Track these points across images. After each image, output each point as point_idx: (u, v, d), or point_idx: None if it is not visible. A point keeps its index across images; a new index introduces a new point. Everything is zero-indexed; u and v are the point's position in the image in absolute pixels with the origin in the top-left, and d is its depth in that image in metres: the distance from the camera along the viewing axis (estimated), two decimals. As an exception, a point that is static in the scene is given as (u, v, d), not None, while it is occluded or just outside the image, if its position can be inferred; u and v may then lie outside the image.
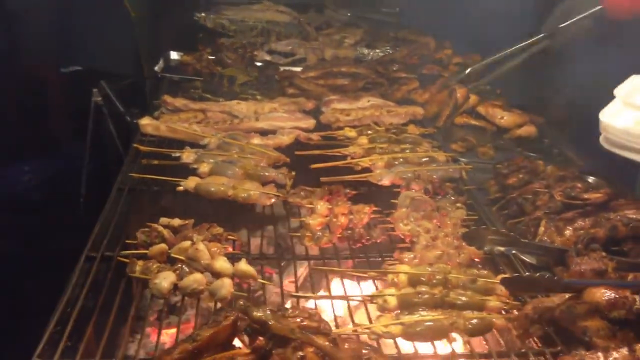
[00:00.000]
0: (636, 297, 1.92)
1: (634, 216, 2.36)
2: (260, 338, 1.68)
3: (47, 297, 2.11)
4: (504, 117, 3.72)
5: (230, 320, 1.68)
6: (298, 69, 4.57)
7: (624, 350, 1.71)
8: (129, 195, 2.70)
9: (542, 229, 2.42)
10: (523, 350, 1.93)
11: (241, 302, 1.78)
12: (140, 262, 2.16)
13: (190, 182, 2.73)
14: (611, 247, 2.32)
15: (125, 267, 2.17)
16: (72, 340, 1.85)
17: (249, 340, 1.76)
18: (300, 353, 1.56)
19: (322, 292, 2.41)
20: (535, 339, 1.97)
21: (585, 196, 2.48)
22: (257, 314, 1.74)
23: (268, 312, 1.75)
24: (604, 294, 1.91)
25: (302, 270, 2.71)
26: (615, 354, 1.71)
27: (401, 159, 3.07)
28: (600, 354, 1.72)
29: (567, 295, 2.00)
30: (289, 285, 2.87)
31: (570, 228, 2.38)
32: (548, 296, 2.04)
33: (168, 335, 2.56)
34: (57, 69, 6.03)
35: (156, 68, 4.29)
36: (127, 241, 2.33)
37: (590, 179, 2.97)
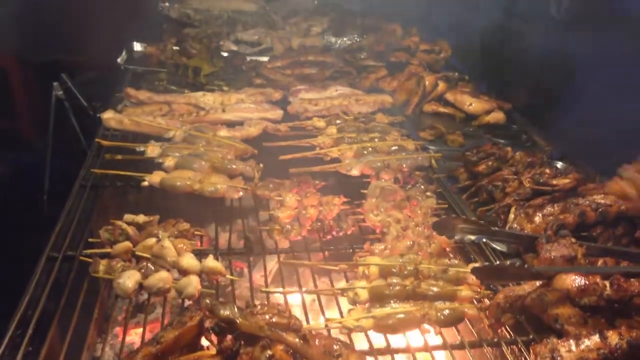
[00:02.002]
0: (606, 283, 1.92)
1: (603, 201, 2.36)
2: (228, 337, 1.63)
3: (8, 299, 2.03)
4: (472, 104, 3.72)
5: (196, 320, 1.63)
6: (265, 58, 4.50)
7: (596, 337, 1.71)
8: (91, 192, 2.62)
9: (511, 216, 2.42)
10: (495, 340, 1.92)
11: (207, 301, 1.72)
12: (103, 261, 2.09)
13: (155, 177, 2.66)
14: (581, 233, 2.32)
15: (88, 267, 2.10)
16: (34, 344, 1.78)
17: (217, 339, 1.71)
18: (269, 352, 1.52)
19: (293, 287, 2.37)
20: (507, 327, 1.97)
21: (554, 182, 2.48)
22: (224, 312, 1.69)
23: (235, 309, 1.70)
24: (574, 281, 1.92)
25: (272, 264, 2.67)
26: (587, 341, 1.70)
27: (370, 149, 3.04)
28: (572, 341, 1.71)
29: (537, 283, 2.00)
30: (259, 280, 2.84)
31: (540, 214, 2.38)
32: (519, 284, 2.03)
33: (136, 335, 2.51)
34: (18, 61, 5.86)
35: (119, 60, 4.18)
36: (90, 240, 2.26)
37: (559, 164, 2.99)
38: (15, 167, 5.47)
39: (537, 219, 2.37)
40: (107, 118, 3.16)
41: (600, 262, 2.11)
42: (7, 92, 5.91)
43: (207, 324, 1.71)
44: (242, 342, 1.63)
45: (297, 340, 1.69)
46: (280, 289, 2.16)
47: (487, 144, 2.97)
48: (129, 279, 1.99)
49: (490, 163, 2.81)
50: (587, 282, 1.91)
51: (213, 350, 1.57)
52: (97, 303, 2.06)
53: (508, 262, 2.02)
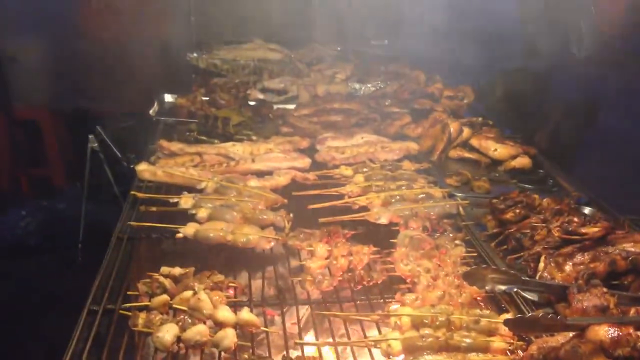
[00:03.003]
0: (639, 334, 1.92)
1: (633, 249, 2.37)
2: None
3: (44, 344, 2.10)
4: (497, 149, 3.76)
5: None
6: (291, 106, 4.61)
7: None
8: (128, 244, 2.70)
9: (541, 265, 2.43)
10: (530, 392, 1.93)
11: (245, 356, 1.77)
12: (142, 314, 2.15)
13: (189, 229, 2.73)
14: (611, 282, 2.33)
15: (128, 319, 2.16)
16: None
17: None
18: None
19: (325, 336, 2.40)
20: (541, 379, 1.97)
21: (583, 231, 2.50)
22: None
23: (272, 364, 1.75)
24: (607, 332, 1.92)
25: (305, 312, 2.70)
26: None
27: (398, 197, 3.09)
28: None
29: (571, 334, 2.00)
30: (291, 327, 2.86)
31: (570, 263, 2.39)
32: (552, 335, 2.04)
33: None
34: (51, 111, 6.08)
35: (150, 111, 4.31)
36: (128, 292, 2.33)
37: (587, 210, 3.01)
38: (48, 214, 5.63)
39: (568, 267, 2.38)
40: (141, 170, 3.26)
41: (632, 311, 2.11)
42: (40, 142, 6.13)
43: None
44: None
45: (333, 394, 1.72)
46: (314, 340, 2.20)
47: (514, 192, 3.00)
48: (168, 333, 2.05)
49: (517, 211, 2.83)
50: (620, 333, 1.91)
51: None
52: (137, 357, 2.10)
53: (540, 313, 2.03)
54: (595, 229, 2.49)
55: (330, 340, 2.24)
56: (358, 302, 2.45)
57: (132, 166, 3.38)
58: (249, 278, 2.56)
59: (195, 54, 5.61)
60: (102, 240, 2.74)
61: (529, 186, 3.42)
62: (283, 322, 2.33)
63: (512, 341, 2.09)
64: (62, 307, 2.33)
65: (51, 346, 2.14)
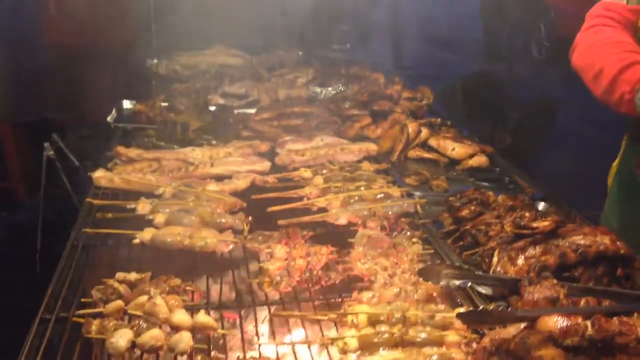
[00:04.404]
0: (588, 323, 1.97)
1: (582, 242, 2.42)
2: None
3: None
4: (455, 149, 3.82)
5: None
6: (252, 110, 4.61)
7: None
8: (83, 252, 2.66)
9: (495, 259, 2.47)
10: (483, 384, 1.95)
11: (199, 358, 1.76)
12: (96, 321, 2.12)
13: (146, 234, 2.71)
14: (563, 274, 2.37)
15: (81, 327, 2.13)
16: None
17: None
18: (260, 406, 1.55)
19: (284, 336, 2.41)
20: (494, 371, 2.00)
21: (534, 225, 2.55)
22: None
23: (227, 366, 1.74)
24: (557, 322, 1.96)
25: (264, 315, 2.70)
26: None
27: (356, 197, 3.11)
28: None
29: (522, 325, 2.04)
30: (251, 331, 2.86)
31: (522, 257, 2.43)
32: (505, 327, 2.07)
33: (130, 394, 2.51)
34: (11, 123, 5.98)
35: (109, 118, 4.27)
36: (82, 300, 2.30)
37: (541, 205, 3.07)
38: (8, 226, 5.52)
39: (520, 261, 2.42)
40: (97, 177, 3.23)
41: (582, 302, 2.16)
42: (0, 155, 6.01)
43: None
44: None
45: (287, 393, 1.73)
46: (272, 342, 2.20)
47: (469, 189, 3.05)
48: (122, 338, 2.03)
49: (473, 208, 2.88)
50: (570, 323, 1.95)
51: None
52: (93, 361, 2.09)
53: (492, 306, 2.08)
54: (546, 223, 2.54)
55: (289, 340, 2.24)
56: (316, 302, 2.46)
57: (88, 173, 3.34)
58: (207, 282, 2.55)
59: (155, 60, 5.58)
60: (60, 253, 2.70)
61: (486, 184, 3.48)
62: (240, 324, 2.32)
63: (466, 334, 2.11)
64: (22, 321, 2.28)
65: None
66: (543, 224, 2.53)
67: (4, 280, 4.62)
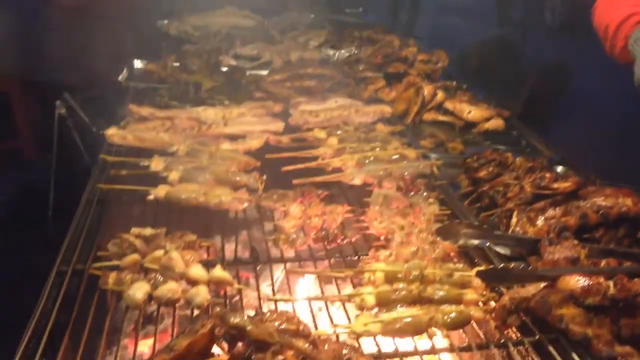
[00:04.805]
0: (610, 283, 1.95)
1: (604, 203, 2.39)
2: (239, 344, 1.65)
3: (20, 315, 2.05)
4: (472, 112, 3.76)
5: (208, 328, 1.65)
6: (264, 72, 4.54)
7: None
8: (98, 207, 2.65)
9: (514, 220, 2.45)
10: (502, 341, 1.94)
11: (218, 309, 1.75)
12: (113, 274, 2.11)
13: (160, 191, 2.69)
14: (583, 235, 2.35)
15: (98, 280, 2.13)
16: (48, 356, 1.80)
17: (228, 347, 1.73)
18: (281, 357, 1.54)
19: (299, 294, 2.40)
20: (513, 329, 1.99)
21: (555, 186, 2.51)
22: (235, 320, 1.71)
23: (245, 317, 1.73)
24: (578, 281, 1.94)
25: (279, 273, 2.69)
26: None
27: (371, 158, 3.08)
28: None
29: (542, 285, 2.02)
30: (266, 289, 2.85)
31: (542, 218, 2.41)
32: (524, 286, 2.06)
33: (146, 346, 2.52)
34: (20, 83, 5.93)
35: (120, 77, 4.22)
36: (98, 253, 2.29)
37: (559, 169, 3.02)
38: (19, 187, 5.52)
39: (539, 222, 2.40)
40: (110, 134, 3.20)
41: (603, 263, 2.13)
42: (8, 114, 5.97)
43: (218, 332, 1.73)
44: (253, 349, 1.65)
45: (307, 345, 1.71)
46: (288, 297, 2.19)
47: (487, 151, 3.01)
48: (139, 290, 2.02)
49: (490, 169, 2.84)
50: (591, 283, 1.94)
51: (225, 357, 1.59)
52: (108, 316, 2.07)
53: (512, 265, 2.05)
54: (567, 184, 2.51)
55: (305, 297, 2.23)
56: (332, 260, 2.44)
57: (101, 131, 3.31)
58: (222, 241, 2.53)
59: (166, 21, 5.49)
60: (73, 214, 2.68)
61: (503, 147, 3.43)
62: (256, 280, 2.31)
63: (484, 293, 2.10)
64: (38, 278, 2.28)
65: (24, 313, 2.09)
66: (564, 185, 2.49)
67: (17, 239, 4.63)
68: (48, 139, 4.47)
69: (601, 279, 1.96)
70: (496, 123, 3.72)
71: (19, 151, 6.14)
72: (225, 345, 1.74)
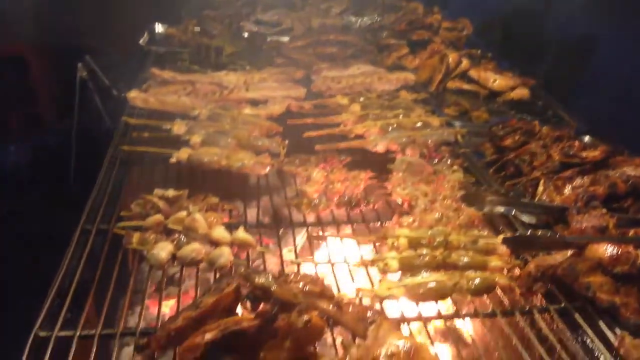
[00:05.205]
0: (639, 252, 1.92)
1: (633, 173, 2.35)
2: (265, 304, 1.65)
3: (44, 274, 2.06)
4: (497, 80, 3.70)
5: (233, 286, 1.65)
6: (285, 38, 4.49)
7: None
8: (121, 168, 2.65)
9: (541, 188, 2.41)
10: (527, 308, 1.92)
11: (242, 269, 1.75)
12: (136, 234, 2.12)
13: (183, 153, 2.68)
14: (611, 204, 2.30)
15: (121, 240, 2.13)
16: (72, 312, 1.81)
17: (252, 307, 1.73)
18: (306, 316, 1.53)
19: (322, 259, 2.39)
20: (539, 296, 1.96)
21: (583, 154, 2.47)
22: (260, 280, 1.71)
23: (270, 278, 1.73)
24: (607, 250, 1.91)
25: (301, 238, 2.68)
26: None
27: (395, 125, 3.04)
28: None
29: (569, 253, 1.99)
30: (287, 254, 2.85)
31: (569, 186, 2.37)
32: (550, 254, 2.03)
33: (168, 307, 2.54)
34: (38, 47, 5.92)
35: (141, 41, 4.20)
36: (121, 213, 2.29)
37: (586, 139, 2.97)
38: (38, 151, 5.54)
39: (567, 191, 2.36)
40: (133, 97, 3.18)
41: (631, 232, 2.10)
42: (27, 79, 5.98)
43: (242, 292, 1.73)
44: (278, 309, 1.64)
45: (331, 307, 1.71)
46: (311, 261, 2.18)
47: (513, 119, 2.96)
48: (163, 250, 2.03)
49: (517, 137, 2.79)
50: (620, 251, 1.91)
51: (251, 315, 1.58)
52: (131, 276, 2.08)
53: (539, 232, 2.03)
54: (596, 153, 2.46)
55: (327, 260, 2.22)
56: (355, 225, 2.42)
57: (123, 94, 3.30)
58: (244, 206, 2.52)
59: (187, -15, 5.44)
60: (96, 174, 2.68)
61: (528, 117, 3.37)
62: (279, 243, 2.30)
63: (509, 260, 2.07)
64: (60, 239, 2.28)
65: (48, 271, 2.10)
66: (593, 154, 2.44)
67: (38, 203, 4.67)
68: (67, 104, 4.47)
69: (630, 248, 1.93)
70: (521, 92, 3.66)
71: (39, 117, 6.17)
72: (249, 305, 1.74)
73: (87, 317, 1.81)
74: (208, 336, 1.42)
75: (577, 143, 2.54)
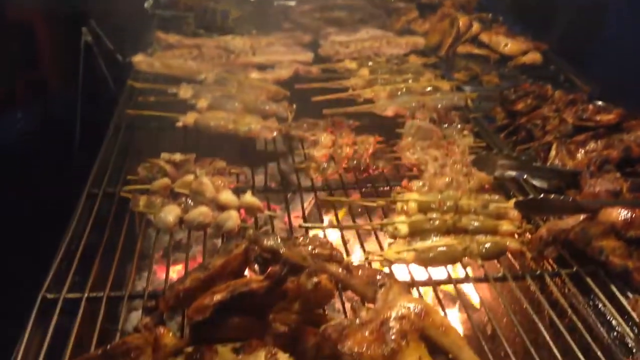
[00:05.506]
0: (653, 216, 1.88)
1: (648, 136, 2.30)
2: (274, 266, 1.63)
3: (52, 239, 2.05)
4: (508, 45, 3.63)
5: (242, 248, 1.63)
6: (292, 2, 4.41)
7: None
8: (126, 133, 2.62)
9: (553, 152, 2.37)
10: (538, 272, 1.90)
11: (251, 231, 1.73)
12: (143, 197, 2.10)
13: (189, 118, 2.65)
14: (625, 169, 2.26)
15: (128, 204, 2.11)
16: (80, 275, 1.80)
17: (260, 271, 1.71)
18: (315, 279, 1.51)
19: (331, 222, 2.37)
20: (550, 261, 1.94)
21: (597, 118, 2.42)
22: (268, 242, 1.69)
23: (279, 240, 1.70)
24: (620, 214, 1.88)
25: (308, 203, 2.66)
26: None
27: (404, 89, 2.99)
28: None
29: (581, 217, 1.96)
30: (295, 220, 2.84)
31: (582, 151, 2.33)
32: (561, 218, 2.00)
33: (175, 272, 2.53)
34: (44, 13, 5.85)
35: (146, 5, 4.13)
36: (128, 177, 2.26)
37: (600, 103, 2.91)
38: (44, 118, 5.51)
39: (580, 155, 2.32)
40: (138, 61, 3.14)
41: (646, 196, 2.06)
42: (33, 45, 5.92)
43: (251, 255, 1.71)
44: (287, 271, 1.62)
45: (340, 270, 1.69)
46: (319, 225, 2.16)
47: (525, 83, 2.90)
48: (170, 213, 2.01)
49: (529, 101, 2.74)
50: (634, 215, 1.87)
51: (260, 277, 1.56)
52: (139, 240, 2.07)
53: (552, 196, 1.99)
54: (610, 116, 2.41)
55: (336, 225, 2.20)
56: (363, 189, 2.39)
57: (128, 59, 3.25)
58: (251, 171, 2.49)
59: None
60: (100, 142, 2.65)
61: (540, 82, 3.31)
62: (287, 207, 2.27)
63: (520, 225, 2.04)
64: (63, 210, 2.26)
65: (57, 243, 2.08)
66: (607, 117, 2.39)
67: (41, 170, 4.65)
68: (72, 70, 4.43)
69: (644, 212, 1.89)
70: (533, 57, 3.59)
71: (45, 83, 6.12)
72: (257, 268, 1.72)
73: (95, 281, 1.79)
74: (217, 297, 1.40)
75: (591, 106, 2.48)
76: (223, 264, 1.58)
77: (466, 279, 1.90)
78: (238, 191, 2.22)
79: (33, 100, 5.74)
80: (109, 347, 1.36)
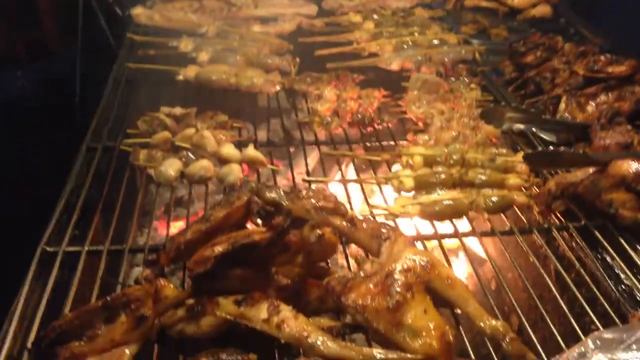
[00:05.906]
0: (665, 170, 1.84)
1: (661, 88, 2.24)
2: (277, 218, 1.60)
3: (52, 192, 2.02)
4: (517, -4, 3.52)
5: (244, 200, 1.60)
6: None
7: None
8: (126, 87, 2.57)
9: (562, 105, 2.31)
10: (546, 226, 1.86)
11: (253, 184, 1.69)
12: (143, 151, 2.06)
13: (190, 71, 2.59)
14: (636, 121, 2.20)
15: (128, 158, 2.07)
16: (80, 229, 1.78)
17: (263, 225, 1.68)
18: (319, 231, 1.48)
19: (335, 176, 2.33)
20: (557, 214, 1.90)
21: (609, 69, 2.35)
22: (270, 194, 1.66)
23: (282, 192, 1.67)
24: (631, 166, 1.83)
25: (312, 158, 2.62)
26: None
27: (410, 43, 2.92)
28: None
29: (590, 170, 1.92)
30: (299, 177, 2.80)
31: (593, 103, 2.27)
32: (570, 171, 1.95)
33: (176, 228, 2.50)
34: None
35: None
36: (128, 130, 2.22)
37: (611, 55, 2.84)
38: (44, 77, 5.44)
39: (590, 108, 2.26)
40: (137, 14, 3.08)
41: (657, 150, 2.02)
42: (33, 5, 5.81)
43: (253, 208, 1.68)
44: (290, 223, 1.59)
45: (344, 223, 1.66)
46: (323, 179, 2.12)
47: (535, 35, 2.82)
48: (171, 167, 1.97)
49: (539, 54, 2.67)
50: (645, 168, 1.83)
51: (262, 229, 1.54)
52: (138, 195, 2.04)
53: (562, 148, 1.95)
54: (622, 68, 2.34)
55: (340, 178, 2.16)
56: (368, 144, 2.35)
57: (126, 12, 3.18)
58: (254, 126, 2.44)
59: None
60: (100, 99, 2.60)
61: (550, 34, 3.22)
62: (290, 161, 2.23)
63: (527, 178, 2.00)
64: (62, 165, 2.23)
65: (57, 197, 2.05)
66: (619, 69, 2.33)
67: (41, 127, 4.61)
68: (72, 29, 4.34)
69: (656, 164, 1.85)
70: (543, 9, 3.49)
71: (44, 42, 6.03)
72: (259, 221, 1.69)
73: (95, 235, 1.77)
74: (218, 249, 1.37)
75: (602, 58, 2.41)
76: (225, 216, 1.55)
77: (472, 233, 1.86)
78: (240, 145, 2.18)
79: (33, 59, 5.67)
80: (109, 298, 1.34)
